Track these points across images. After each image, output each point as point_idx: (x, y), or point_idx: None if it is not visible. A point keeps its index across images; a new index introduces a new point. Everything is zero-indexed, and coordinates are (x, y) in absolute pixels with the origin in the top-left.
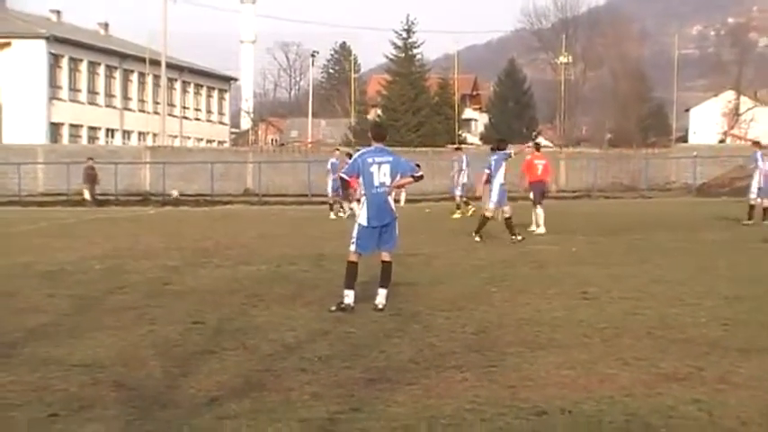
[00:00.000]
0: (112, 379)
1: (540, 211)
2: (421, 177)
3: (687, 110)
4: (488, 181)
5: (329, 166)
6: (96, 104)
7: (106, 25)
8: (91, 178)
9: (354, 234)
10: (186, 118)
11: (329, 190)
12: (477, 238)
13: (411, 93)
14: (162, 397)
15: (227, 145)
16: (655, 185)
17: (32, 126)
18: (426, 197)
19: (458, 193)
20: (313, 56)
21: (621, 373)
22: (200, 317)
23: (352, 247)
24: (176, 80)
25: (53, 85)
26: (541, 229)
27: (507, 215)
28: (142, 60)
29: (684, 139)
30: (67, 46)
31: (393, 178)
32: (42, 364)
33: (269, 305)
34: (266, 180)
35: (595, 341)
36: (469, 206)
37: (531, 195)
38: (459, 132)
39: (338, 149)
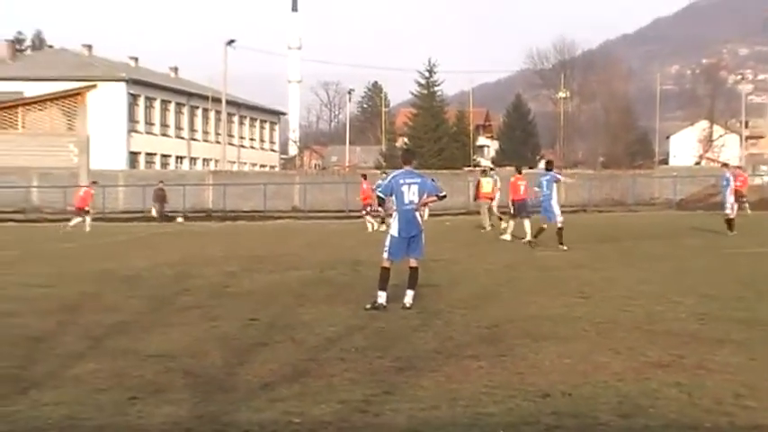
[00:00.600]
0: (181, 367)
1: (527, 222)
2: (444, 197)
3: (668, 137)
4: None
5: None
6: (167, 135)
7: (176, 69)
8: (160, 198)
9: (387, 243)
10: (243, 146)
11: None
12: (564, 247)
13: (432, 123)
14: (223, 383)
15: (277, 169)
16: (641, 201)
17: (115, 154)
18: (447, 212)
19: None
20: (350, 93)
21: (614, 361)
22: (255, 315)
23: (385, 255)
24: (235, 114)
25: (131, 119)
26: (528, 237)
27: (560, 226)
28: (206, 98)
29: (666, 161)
30: (144, 87)
31: (420, 196)
32: (122, 354)
33: (313, 304)
34: (310, 198)
35: (592, 334)
36: (501, 220)
37: (514, 211)
38: (474, 157)
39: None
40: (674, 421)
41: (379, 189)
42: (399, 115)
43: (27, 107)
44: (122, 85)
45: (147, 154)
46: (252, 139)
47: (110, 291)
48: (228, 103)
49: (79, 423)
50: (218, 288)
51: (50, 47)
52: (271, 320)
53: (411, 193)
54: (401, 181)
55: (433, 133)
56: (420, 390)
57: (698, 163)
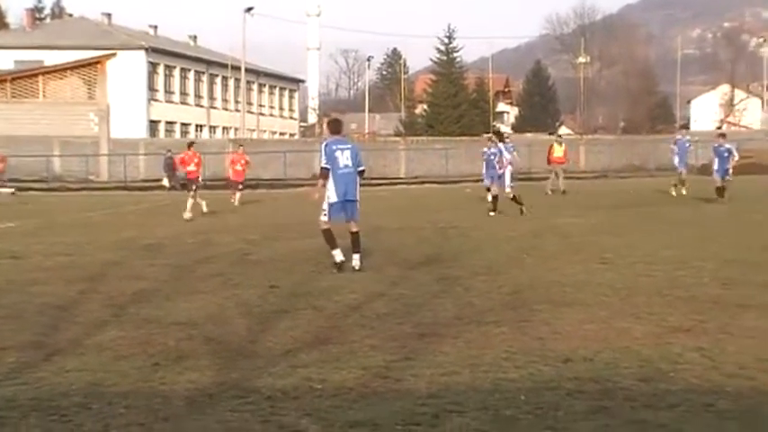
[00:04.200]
0: (203, 334)
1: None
2: (363, 171)
3: (689, 101)
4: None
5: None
6: (187, 104)
7: (195, 37)
8: (170, 167)
9: (326, 208)
10: (262, 114)
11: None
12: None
13: (452, 90)
14: (245, 349)
15: (296, 137)
16: (661, 166)
17: (135, 123)
18: (466, 179)
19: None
20: (369, 60)
21: (635, 326)
22: (276, 282)
23: (324, 218)
24: (254, 82)
25: (151, 88)
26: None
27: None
28: (225, 66)
29: (687, 126)
30: (163, 55)
31: (354, 161)
32: (145, 322)
33: (333, 272)
34: None
35: (613, 300)
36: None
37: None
38: (493, 123)
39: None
40: (695, 386)
41: (323, 162)
42: (419, 82)
43: (47, 76)
44: (142, 53)
45: (167, 122)
46: (271, 107)
47: (132, 259)
48: (248, 71)
49: (103, 389)
50: (239, 256)
51: (70, 15)
52: (291, 288)
53: (345, 158)
54: (334, 147)
55: (452, 100)
56: (441, 355)
57: (719, 127)
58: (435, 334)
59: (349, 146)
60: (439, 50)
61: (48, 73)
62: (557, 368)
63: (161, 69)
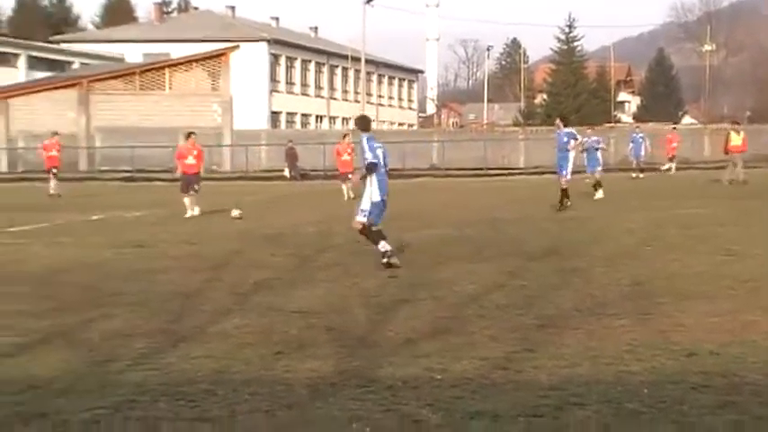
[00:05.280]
0: (324, 323)
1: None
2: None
3: None
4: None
5: (633, 141)
6: (308, 95)
7: (316, 29)
8: (291, 157)
9: (367, 209)
10: (381, 105)
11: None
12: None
13: (572, 79)
14: (365, 338)
15: (415, 127)
16: None
17: (257, 114)
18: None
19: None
20: (488, 50)
21: (763, 319)
22: (395, 272)
23: (364, 218)
24: (373, 73)
25: (273, 79)
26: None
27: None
28: (345, 57)
29: None
30: (284, 47)
31: (384, 160)
32: (268, 310)
33: (452, 262)
34: (448, 156)
35: (739, 292)
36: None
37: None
38: (614, 113)
39: (638, 127)
40: None
41: (370, 157)
42: (538, 71)
43: (174, 68)
44: (264, 45)
45: (288, 113)
46: (390, 98)
47: (253, 249)
48: (367, 62)
49: (228, 377)
50: (358, 246)
51: (195, 9)
52: (410, 278)
53: (382, 156)
54: (375, 145)
55: (572, 89)
56: (562, 347)
57: None
58: (555, 325)
59: (381, 144)
60: (559, 39)
61: (174, 65)
62: (680, 362)
63: (283, 61)
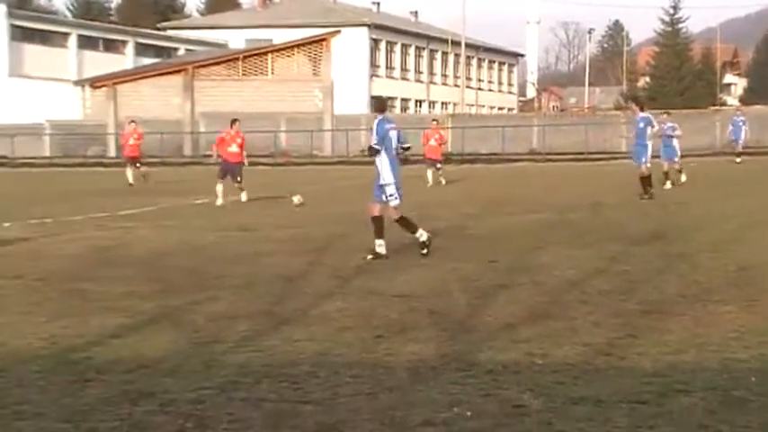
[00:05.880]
0: (425, 307)
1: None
2: (408, 148)
3: None
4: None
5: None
6: (407, 80)
7: (416, 13)
8: None
9: (392, 192)
10: (481, 89)
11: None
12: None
13: (676, 62)
14: (465, 323)
15: (515, 111)
16: None
17: (357, 99)
18: (690, 153)
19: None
20: (590, 33)
21: None
22: (495, 256)
23: (397, 201)
24: (473, 57)
25: (373, 64)
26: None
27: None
28: (445, 42)
29: None
30: (385, 32)
31: (398, 141)
32: (368, 294)
33: (553, 247)
34: (549, 140)
35: None
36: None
37: None
38: (720, 95)
39: (740, 110)
40: None
41: (373, 140)
42: (641, 54)
43: (275, 54)
44: (364, 30)
45: (388, 98)
46: (490, 82)
47: (354, 232)
48: (467, 45)
49: (329, 359)
50: (457, 230)
51: None
52: (510, 262)
53: (395, 139)
54: (387, 126)
55: (676, 72)
56: (666, 334)
57: None
58: (659, 312)
59: (394, 126)
60: (663, 21)
61: (276, 51)
62: None
63: (383, 45)
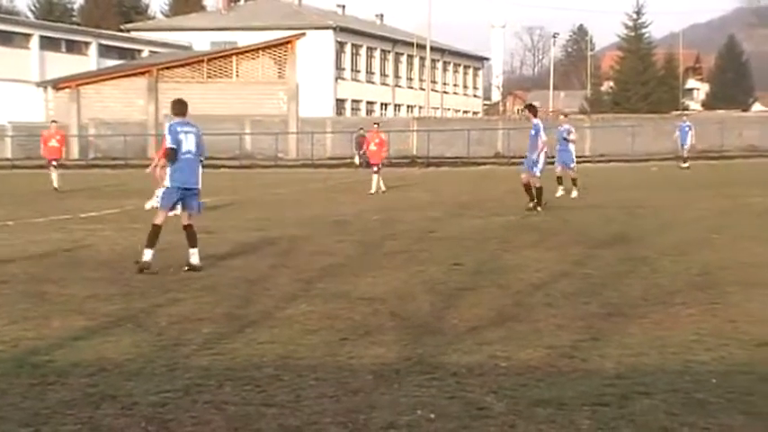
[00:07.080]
0: (389, 310)
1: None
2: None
3: None
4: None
5: (680, 130)
6: (373, 83)
7: (381, 16)
8: (361, 145)
9: (160, 194)
10: (446, 92)
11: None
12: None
13: (640, 67)
14: (430, 325)
15: (480, 115)
16: None
17: (322, 102)
18: (652, 157)
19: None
20: (554, 37)
21: None
22: (460, 259)
23: (157, 204)
24: (438, 61)
25: (338, 67)
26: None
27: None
28: (410, 45)
29: None
30: (350, 35)
31: (198, 146)
32: (332, 297)
33: (518, 250)
34: (514, 144)
35: None
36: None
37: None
38: (682, 100)
39: (686, 115)
40: None
41: (168, 142)
42: (605, 59)
43: (240, 56)
44: (330, 33)
45: (353, 101)
46: (455, 85)
47: (319, 235)
48: (432, 49)
49: (293, 362)
50: (423, 233)
51: None
52: (475, 265)
53: (189, 143)
54: (179, 129)
55: (640, 77)
56: (628, 336)
57: None
58: (622, 314)
59: (194, 129)
60: (627, 26)
61: (241, 53)
62: (750, 352)
63: (348, 48)
